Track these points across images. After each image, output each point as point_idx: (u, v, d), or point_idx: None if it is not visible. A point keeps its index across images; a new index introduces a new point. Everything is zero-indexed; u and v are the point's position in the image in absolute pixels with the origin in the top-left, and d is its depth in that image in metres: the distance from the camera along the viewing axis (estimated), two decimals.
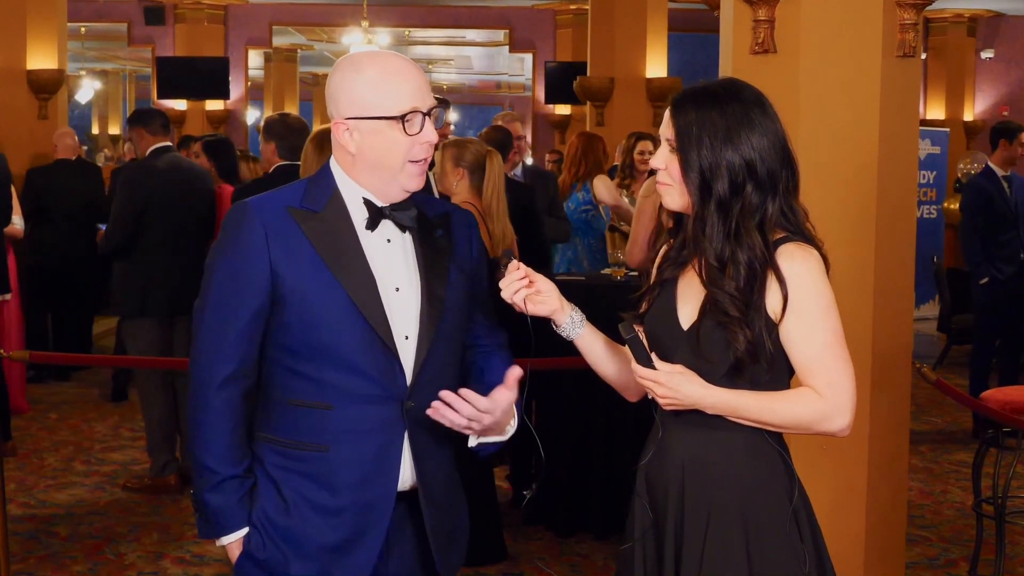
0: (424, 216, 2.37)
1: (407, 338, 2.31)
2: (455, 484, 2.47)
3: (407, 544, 2.39)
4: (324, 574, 2.32)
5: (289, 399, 2.31)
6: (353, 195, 2.33)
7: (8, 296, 7.10)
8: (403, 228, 2.34)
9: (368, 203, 2.33)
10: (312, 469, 2.30)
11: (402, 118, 2.26)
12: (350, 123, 2.29)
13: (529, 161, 13.13)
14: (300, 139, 5.45)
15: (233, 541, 2.33)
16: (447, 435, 2.38)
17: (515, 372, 2.31)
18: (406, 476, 2.34)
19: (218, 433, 2.30)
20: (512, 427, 2.38)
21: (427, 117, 2.29)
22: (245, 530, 2.33)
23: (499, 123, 6.67)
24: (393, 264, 2.33)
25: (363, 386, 2.28)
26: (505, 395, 2.29)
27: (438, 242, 2.38)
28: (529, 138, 16.62)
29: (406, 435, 2.32)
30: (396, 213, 2.33)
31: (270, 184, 5.08)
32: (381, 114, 2.27)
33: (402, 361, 2.30)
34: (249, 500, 2.32)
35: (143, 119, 6.16)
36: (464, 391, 2.24)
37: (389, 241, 2.34)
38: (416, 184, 2.33)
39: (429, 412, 2.24)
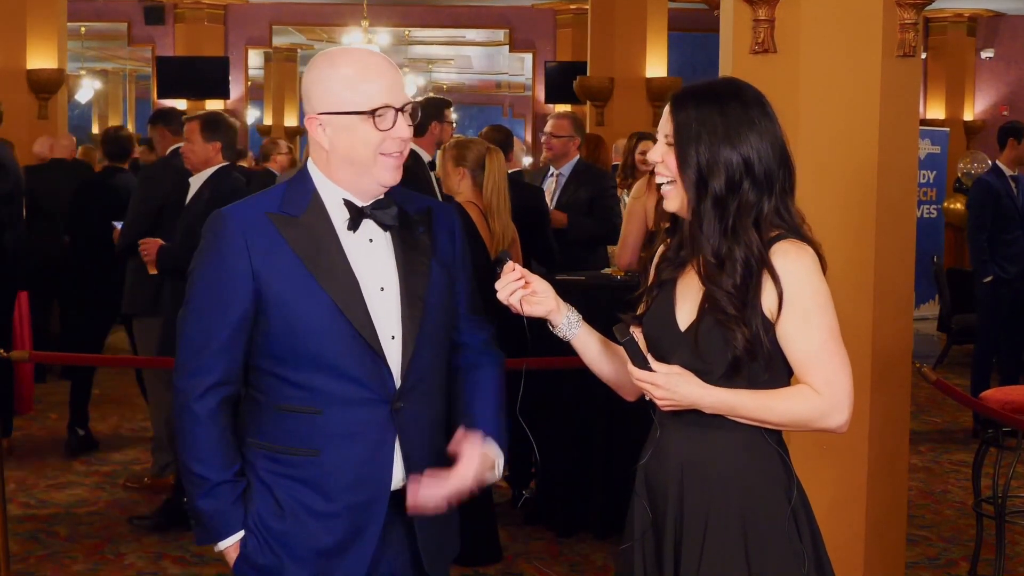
0: (405, 213, 2.36)
1: (393, 338, 2.31)
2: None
3: (399, 544, 2.40)
4: None
5: (278, 405, 2.31)
6: (333, 196, 2.33)
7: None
8: (384, 227, 2.34)
9: (348, 204, 2.32)
10: (304, 474, 2.30)
11: (372, 113, 2.26)
12: (322, 118, 2.29)
13: (528, 160, 13.12)
14: (237, 139, 5.38)
15: (230, 545, 2.34)
16: (437, 435, 2.40)
17: (471, 440, 2.35)
18: (397, 477, 2.34)
19: (206, 441, 2.30)
20: (500, 462, 2.42)
21: (400, 113, 2.29)
22: (241, 533, 2.33)
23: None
24: (376, 264, 2.33)
25: (351, 389, 2.28)
26: (467, 467, 2.33)
27: (419, 240, 2.37)
28: (528, 138, 16.64)
29: (397, 436, 2.32)
30: (377, 212, 2.33)
31: (221, 190, 4.99)
32: (352, 109, 2.27)
33: (389, 362, 2.30)
34: (243, 503, 2.32)
35: (166, 118, 6.19)
36: (425, 480, 2.29)
37: (371, 241, 2.33)
38: (391, 178, 2.32)
39: (410, 511, 2.30)
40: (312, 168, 2.36)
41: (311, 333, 2.26)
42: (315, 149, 2.34)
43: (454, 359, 2.47)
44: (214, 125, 5.22)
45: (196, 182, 5.26)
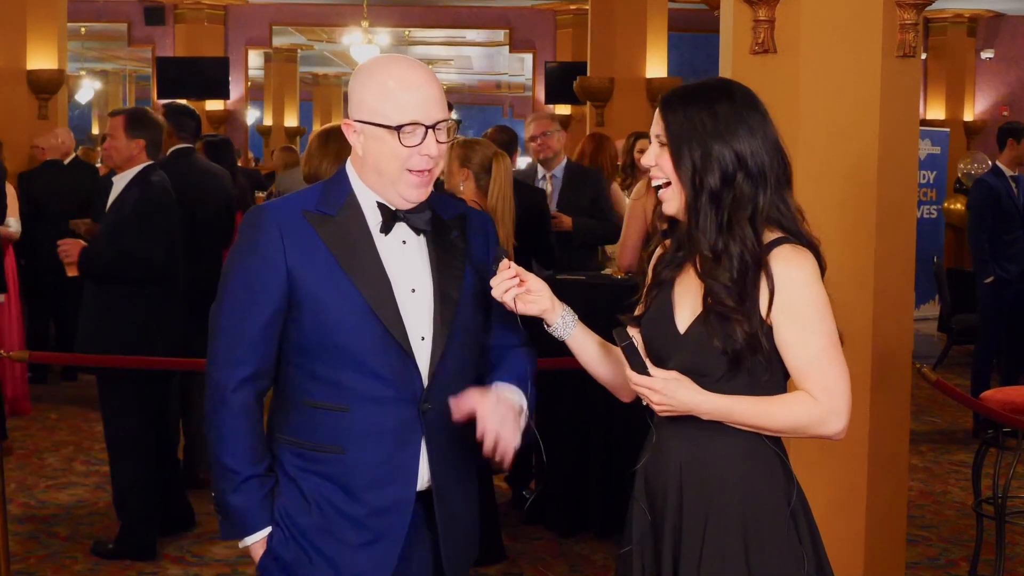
0: (439, 218, 2.38)
1: (423, 339, 2.32)
2: (469, 487, 2.48)
3: (426, 544, 2.40)
4: (346, 574, 2.32)
5: (306, 401, 2.32)
6: (368, 198, 2.35)
7: (2, 295, 7.11)
8: (418, 231, 2.35)
9: (382, 207, 2.34)
10: (330, 471, 2.31)
11: (398, 129, 2.26)
12: (356, 125, 2.32)
13: (528, 161, 13.10)
14: (162, 137, 5.04)
15: (257, 541, 2.34)
16: (463, 437, 2.39)
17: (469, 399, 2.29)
18: (423, 478, 2.35)
19: (238, 434, 2.31)
20: (524, 413, 2.36)
21: (431, 131, 2.28)
22: (268, 529, 2.34)
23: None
24: (409, 266, 2.34)
25: (379, 388, 2.29)
26: (475, 402, 2.27)
27: (453, 243, 2.38)
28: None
29: (423, 437, 2.33)
30: (411, 216, 2.34)
31: (152, 192, 4.78)
32: (381, 122, 2.28)
33: (418, 363, 2.31)
34: (271, 499, 2.33)
35: (170, 119, 6.06)
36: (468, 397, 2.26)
37: (405, 243, 2.35)
38: (416, 195, 2.33)
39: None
40: (350, 169, 2.38)
41: (342, 330, 2.27)
42: (352, 152, 2.37)
43: (485, 360, 2.47)
44: (138, 122, 4.95)
45: (119, 182, 4.97)
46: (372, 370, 2.28)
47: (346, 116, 2.36)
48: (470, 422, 2.36)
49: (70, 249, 4.91)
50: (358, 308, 2.27)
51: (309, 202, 2.34)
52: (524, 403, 2.38)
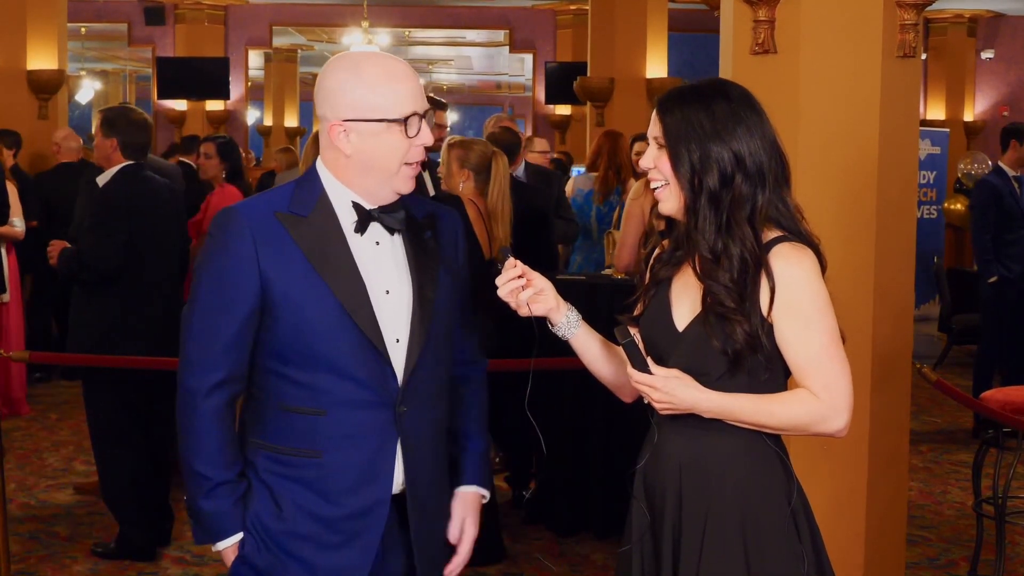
0: (412, 217, 2.36)
1: (398, 341, 2.31)
2: (443, 488, 2.47)
3: (400, 547, 2.39)
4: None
5: (281, 405, 2.30)
6: (341, 198, 2.32)
7: (5, 296, 7.10)
8: (392, 230, 2.34)
9: (356, 206, 2.32)
10: (306, 475, 2.29)
11: (404, 121, 2.26)
12: (348, 125, 2.27)
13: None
14: (143, 136, 4.95)
15: (229, 546, 2.33)
16: (439, 440, 2.40)
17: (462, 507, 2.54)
18: (398, 480, 2.34)
19: (210, 439, 2.28)
20: (488, 490, 2.61)
21: (423, 119, 2.30)
22: (240, 535, 2.32)
23: (490, 125, 6.66)
24: (383, 267, 2.32)
25: (355, 391, 2.27)
26: (466, 543, 2.54)
27: (427, 244, 2.37)
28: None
29: (399, 440, 2.32)
30: (384, 216, 2.32)
31: (121, 188, 4.75)
32: (383, 116, 2.26)
33: (393, 365, 2.30)
34: (243, 504, 2.32)
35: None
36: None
37: (378, 244, 2.33)
38: (408, 187, 2.33)
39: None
40: (321, 169, 2.35)
41: (317, 333, 2.25)
42: (331, 153, 2.32)
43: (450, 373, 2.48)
44: (111, 121, 4.86)
45: (100, 181, 4.93)
46: (348, 373, 2.26)
47: (327, 117, 2.30)
48: (443, 424, 2.43)
49: (52, 250, 4.96)
50: (333, 311, 2.25)
51: (280, 203, 2.31)
52: (485, 492, 2.58)
